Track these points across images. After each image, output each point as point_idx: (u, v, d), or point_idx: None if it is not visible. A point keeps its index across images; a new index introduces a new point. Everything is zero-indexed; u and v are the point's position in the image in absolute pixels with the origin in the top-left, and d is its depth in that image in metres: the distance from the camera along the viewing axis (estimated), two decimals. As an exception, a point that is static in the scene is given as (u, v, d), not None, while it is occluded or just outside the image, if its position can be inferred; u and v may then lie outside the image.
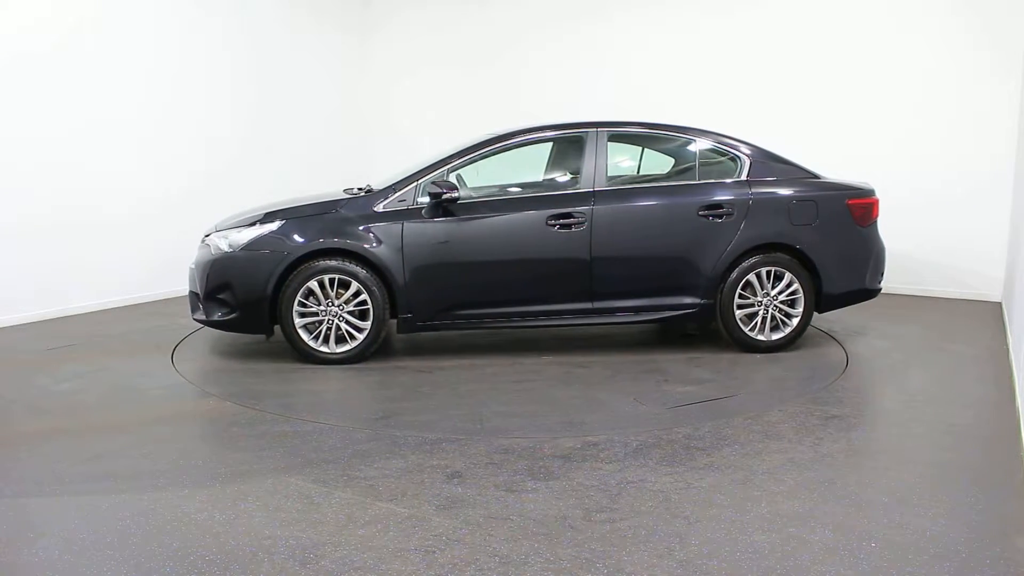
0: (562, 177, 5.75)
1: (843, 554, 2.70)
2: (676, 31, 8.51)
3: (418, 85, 9.91)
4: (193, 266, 5.44)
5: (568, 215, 5.23)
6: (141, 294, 7.33)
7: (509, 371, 5.08)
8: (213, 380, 4.98)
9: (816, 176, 5.57)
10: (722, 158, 5.56)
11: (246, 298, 5.15)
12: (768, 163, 5.51)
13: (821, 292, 5.43)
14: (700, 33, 8.41)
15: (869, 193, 5.57)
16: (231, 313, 5.21)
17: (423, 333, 6.00)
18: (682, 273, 5.33)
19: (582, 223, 5.22)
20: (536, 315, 5.33)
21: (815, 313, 5.53)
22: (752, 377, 4.92)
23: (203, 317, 5.33)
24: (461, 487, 3.25)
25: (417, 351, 5.69)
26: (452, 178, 5.49)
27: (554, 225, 5.21)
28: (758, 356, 5.36)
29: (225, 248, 5.24)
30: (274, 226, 5.22)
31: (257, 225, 5.27)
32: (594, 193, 5.30)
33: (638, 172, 5.81)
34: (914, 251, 7.41)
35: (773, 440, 3.81)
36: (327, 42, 9.56)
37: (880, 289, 5.73)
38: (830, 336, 5.95)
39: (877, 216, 5.58)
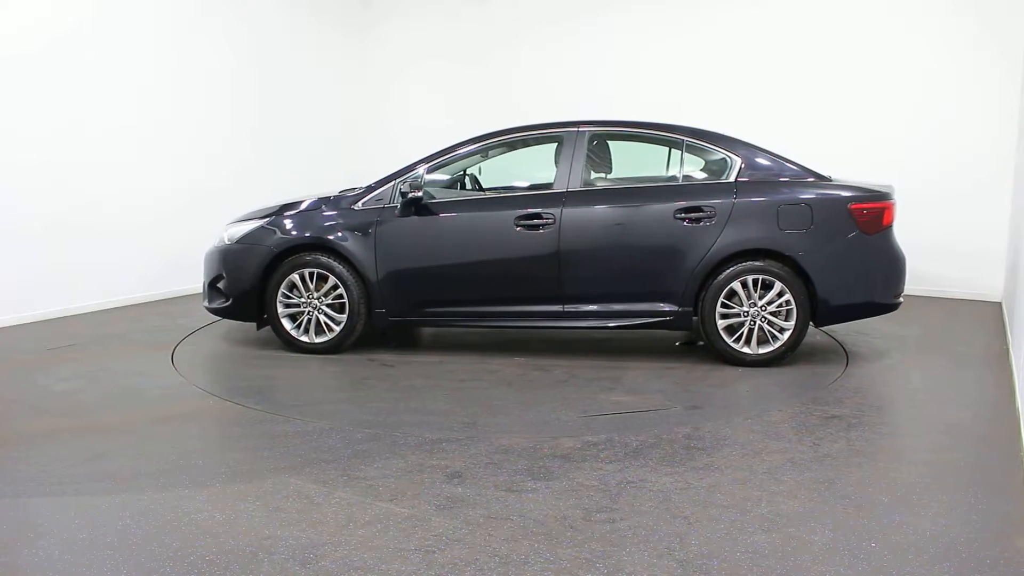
0: (539, 177, 5.72)
1: (843, 554, 2.70)
2: (677, 31, 8.51)
3: (418, 84, 9.91)
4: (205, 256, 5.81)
5: (537, 216, 5.16)
6: (141, 294, 7.33)
7: (466, 370, 5.11)
8: (213, 380, 4.99)
9: (822, 178, 5.15)
10: (711, 158, 5.32)
11: (237, 288, 5.51)
12: (763, 164, 5.17)
13: (817, 304, 5.02)
14: (701, 33, 8.41)
15: (879, 197, 5.04)
16: (226, 302, 5.57)
17: (423, 330, 6.19)
18: (657, 279, 5.09)
19: (550, 224, 5.13)
20: (506, 316, 5.30)
21: (814, 327, 5.22)
22: (709, 392, 4.64)
23: (207, 304, 5.70)
24: (461, 487, 3.25)
25: (400, 346, 5.79)
26: (470, 175, 5.69)
27: (522, 226, 5.17)
28: (739, 370, 5.01)
29: (226, 241, 5.62)
30: (264, 222, 5.56)
31: (251, 220, 5.62)
32: (566, 194, 5.19)
33: (620, 173, 5.68)
34: (914, 251, 7.35)
35: (773, 440, 3.81)
36: (327, 41, 9.56)
37: (896, 304, 5.20)
38: (830, 336, 5.95)
39: (890, 222, 5.05)
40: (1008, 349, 5.55)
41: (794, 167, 5.21)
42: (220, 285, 5.58)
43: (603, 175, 5.62)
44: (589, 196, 5.25)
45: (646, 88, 8.55)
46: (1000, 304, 7.20)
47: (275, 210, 5.63)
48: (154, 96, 7.35)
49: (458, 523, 2.92)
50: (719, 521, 2.94)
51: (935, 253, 7.43)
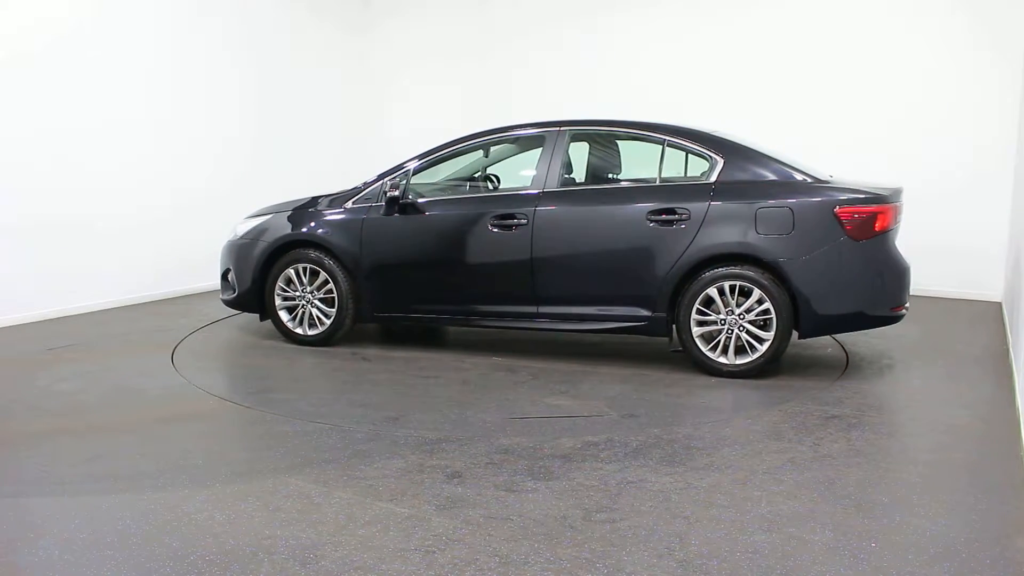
0: (520, 178, 5.73)
1: (843, 554, 2.70)
2: (677, 32, 8.50)
3: (418, 83, 9.90)
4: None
5: (510, 216, 5.13)
6: (141, 294, 7.33)
7: (436, 367, 5.17)
8: (213, 380, 4.99)
9: (820, 180, 4.80)
10: (693, 158, 5.13)
11: (241, 281, 5.79)
12: (747, 163, 4.87)
13: (800, 314, 4.69)
14: (701, 33, 8.40)
15: (870, 200, 4.65)
16: (233, 294, 5.87)
17: (424, 328, 6.25)
18: (629, 283, 4.93)
19: (523, 225, 5.10)
20: (483, 316, 5.30)
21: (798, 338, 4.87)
22: (663, 400, 4.45)
23: (221, 295, 6.07)
24: (461, 487, 3.25)
25: (389, 341, 5.93)
26: (486, 174, 5.83)
27: (497, 226, 5.15)
28: (712, 379, 4.79)
29: (234, 236, 5.94)
30: (266, 218, 5.81)
31: (258, 216, 5.89)
32: (541, 195, 5.13)
33: (600, 173, 5.62)
34: (914, 250, 7.36)
35: (773, 440, 3.81)
36: (327, 41, 9.55)
37: (895, 317, 4.84)
38: (830, 336, 5.93)
39: (885, 228, 4.66)
40: (1008, 349, 5.55)
41: (786, 168, 4.87)
42: (229, 278, 5.89)
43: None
44: (563, 197, 5.14)
45: (646, 87, 8.53)
46: (1000, 304, 7.20)
47: (279, 207, 5.87)
48: (154, 97, 7.35)
49: (458, 523, 2.93)
50: (719, 521, 2.94)
51: (935, 253, 7.42)
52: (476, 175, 5.95)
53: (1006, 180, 7.23)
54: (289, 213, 5.73)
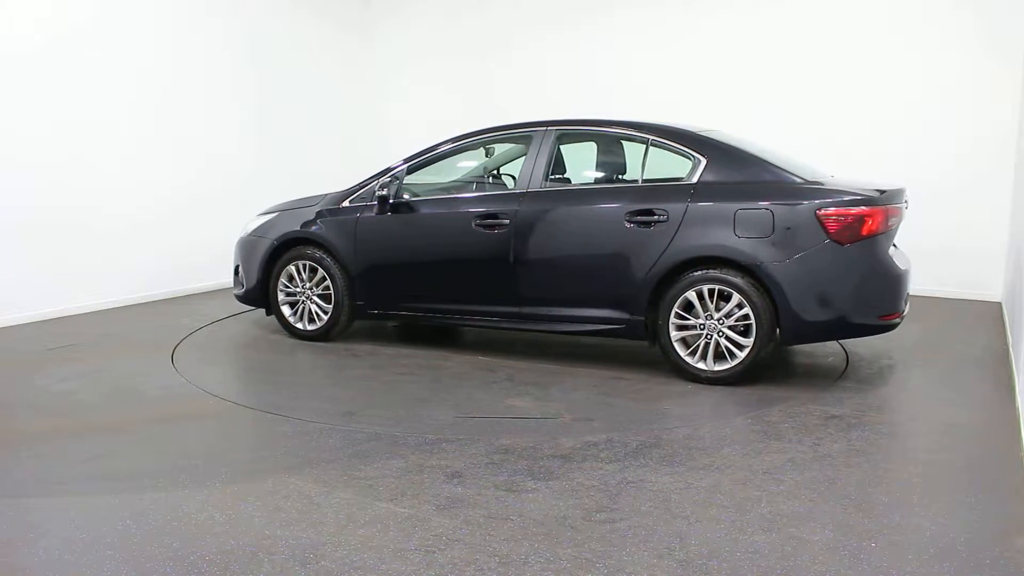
0: (506, 178, 5.81)
1: (843, 554, 2.70)
2: (677, 31, 8.49)
3: (418, 84, 9.90)
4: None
5: (493, 216, 5.15)
6: (141, 294, 7.32)
7: (417, 364, 5.24)
8: (213, 380, 4.99)
9: (811, 181, 4.60)
10: (676, 158, 4.96)
11: (248, 277, 5.98)
12: (731, 164, 4.72)
13: (781, 320, 4.52)
14: (701, 33, 8.40)
15: (857, 203, 4.42)
16: (242, 289, 6.06)
17: (424, 326, 6.28)
18: (607, 284, 4.85)
19: (505, 225, 5.10)
20: (469, 314, 5.33)
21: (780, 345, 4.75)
22: (627, 405, 4.37)
23: (233, 290, 6.27)
24: (461, 487, 3.25)
25: (387, 338, 6.02)
26: (491, 172, 5.89)
27: (481, 226, 5.17)
28: (689, 385, 4.67)
29: (245, 232, 6.10)
30: (272, 216, 5.97)
31: (266, 214, 6.05)
32: (524, 195, 5.11)
33: (585, 173, 5.61)
34: (913, 251, 7.38)
35: (773, 440, 3.81)
36: (327, 40, 9.55)
37: (885, 326, 4.66)
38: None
39: (874, 232, 4.45)
40: (1008, 349, 5.55)
41: (773, 169, 4.69)
42: (239, 274, 6.09)
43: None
44: (545, 197, 5.09)
45: (646, 87, 8.54)
46: (1000, 304, 7.20)
47: (287, 204, 6.06)
48: (154, 96, 7.35)
49: (458, 523, 2.93)
50: (719, 521, 2.94)
51: (935, 253, 7.41)
52: (483, 176, 5.95)
53: (1006, 180, 7.23)
54: (293, 211, 5.89)
